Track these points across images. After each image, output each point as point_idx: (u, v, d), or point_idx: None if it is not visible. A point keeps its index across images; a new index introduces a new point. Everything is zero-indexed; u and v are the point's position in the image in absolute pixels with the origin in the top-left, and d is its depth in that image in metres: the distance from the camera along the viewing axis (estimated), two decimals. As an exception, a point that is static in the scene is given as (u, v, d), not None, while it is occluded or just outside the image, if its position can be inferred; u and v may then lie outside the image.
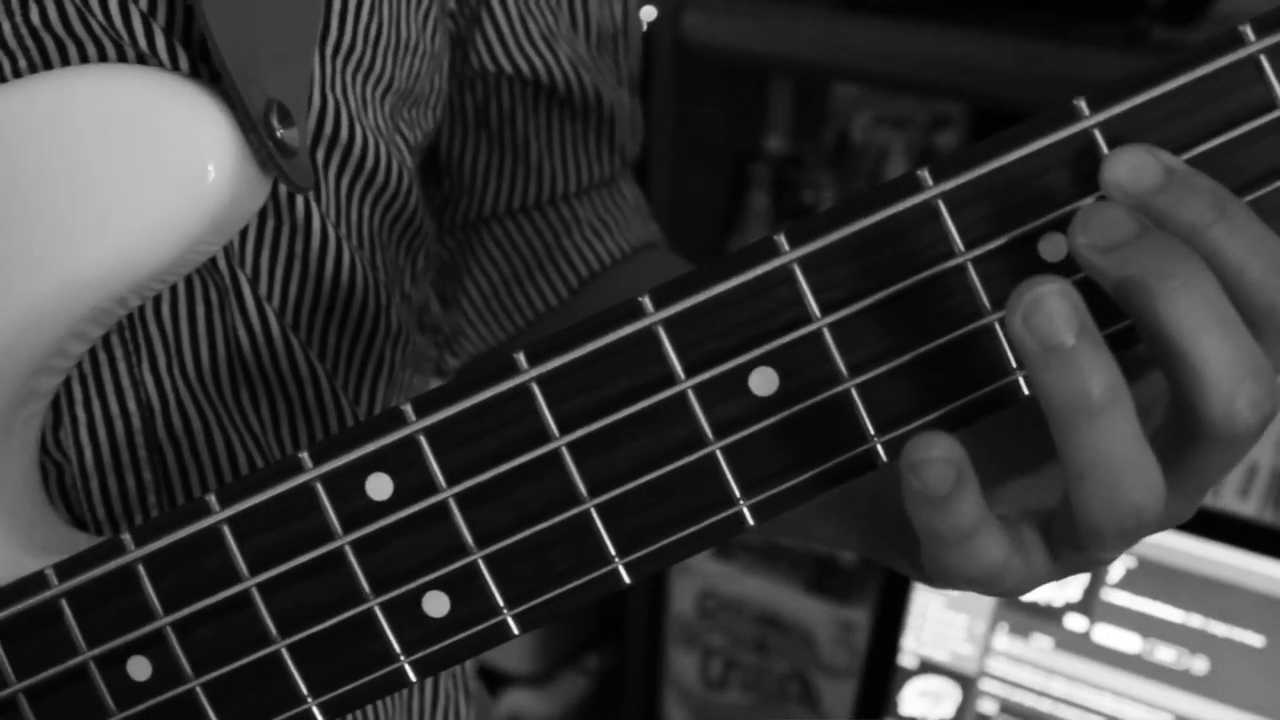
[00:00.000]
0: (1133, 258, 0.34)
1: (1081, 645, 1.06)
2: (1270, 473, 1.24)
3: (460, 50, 0.60)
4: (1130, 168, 0.35)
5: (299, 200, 0.49)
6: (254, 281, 0.49)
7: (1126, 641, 1.05)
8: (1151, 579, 1.04)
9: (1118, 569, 1.05)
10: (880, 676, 1.13)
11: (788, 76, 1.55)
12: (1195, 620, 1.03)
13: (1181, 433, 0.36)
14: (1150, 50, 1.21)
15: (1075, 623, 1.06)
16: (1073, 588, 1.07)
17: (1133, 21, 1.25)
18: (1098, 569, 0.41)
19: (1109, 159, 0.35)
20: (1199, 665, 1.03)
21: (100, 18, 0.44)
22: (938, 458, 0.35)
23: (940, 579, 0.42)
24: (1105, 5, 1.27)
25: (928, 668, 1.12)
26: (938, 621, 1.11)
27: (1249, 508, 1.24)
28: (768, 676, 1.55)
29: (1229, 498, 1.26)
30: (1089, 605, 1.06)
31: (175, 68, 0.45)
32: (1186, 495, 0.39)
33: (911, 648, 1.12)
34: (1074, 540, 0.38)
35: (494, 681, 1.73)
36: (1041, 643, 1.08)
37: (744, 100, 1.54)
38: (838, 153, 1.53)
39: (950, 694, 1.11)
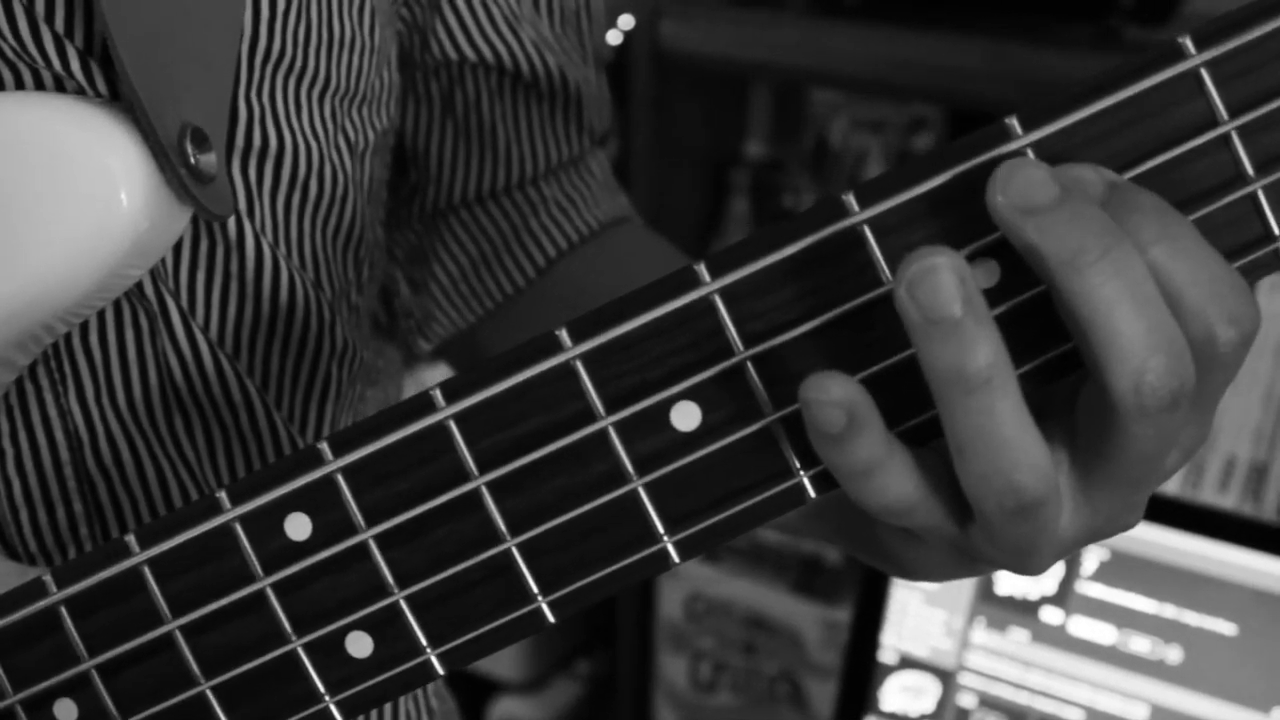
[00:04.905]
0: (1049, 227, 0.33)
1: (1057, 637, 1.07)
2: (1249, 465, 1.25)
3: (420, 38, 0.59)
4: (1021, 185, 0.33)
5: (231, 220, 0.48)
6: (187, 306, 0.48)
7: (1101, 633, 1.06)
8: (1125, 571, 1.05)
9: (1091, 561, 1.06)
10: (861, 673, 1.14)
11: (766, 82, 1.57)
12: (1168, 610, 1.04)
13: (1098, 414, 0.35)
14: (1122, 50, 1.23)
15: (1051, 615, 1.07)
16: (1048, 581, 1.08)
17: (1104, 21, 1.27)
18: (1029, 573, 0.40)
19: (1002, 173, 0.34)
20: (1173, 655, 1.04)
21: (11, 41, 0.43)
22: (829, 400, 0.34)
23: (915, 573, 0.42)
24: (1077, 6, 1.28)
25: (908, 663, 1.12)
26: (917, 617, 1.12)
27: (1228, 500, 1.25)
28: (757, 678, 1.56)
29: (1208, 491, 1.26)
30: (1064, 598, 1.07)
31: (93, 90, 0.44)
32: (1116, 494, 0.37)
33: (892, 644, 1.13)
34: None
35: (485, 689, 1.74)
36: (1018, 636, 1.08)
37: (723, 106, 1.56)
38: (817, 157, 1.54)
39: (930, 688, 1.12)
